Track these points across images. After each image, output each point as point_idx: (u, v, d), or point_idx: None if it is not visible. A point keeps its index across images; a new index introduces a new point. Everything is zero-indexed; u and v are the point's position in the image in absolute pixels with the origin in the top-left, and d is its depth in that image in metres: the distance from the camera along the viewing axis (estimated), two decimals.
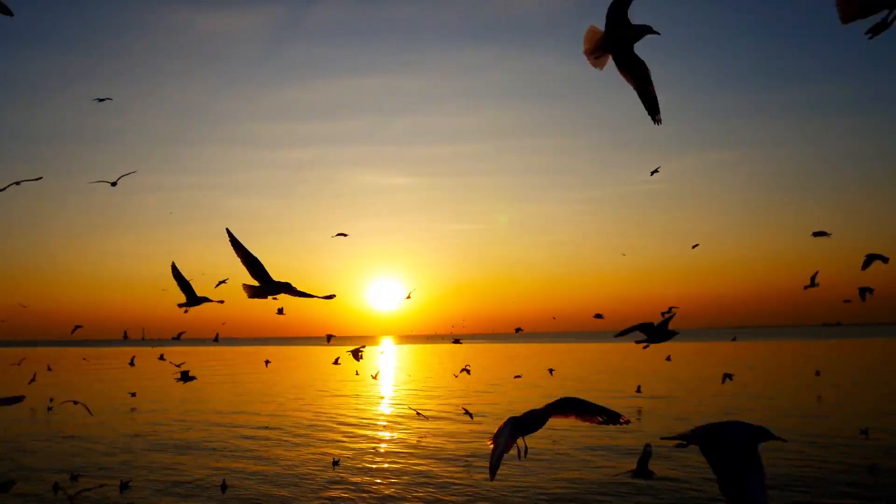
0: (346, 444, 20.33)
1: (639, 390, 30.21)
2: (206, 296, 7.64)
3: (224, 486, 14.74)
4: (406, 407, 29.00)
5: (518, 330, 33.68)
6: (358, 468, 16.76)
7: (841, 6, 3.07)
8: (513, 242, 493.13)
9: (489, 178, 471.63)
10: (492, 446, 4.02)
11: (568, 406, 4.53)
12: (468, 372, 34.63)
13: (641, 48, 3.78)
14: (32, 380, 30.94)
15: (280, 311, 16.56)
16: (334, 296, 7.08)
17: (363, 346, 25.49)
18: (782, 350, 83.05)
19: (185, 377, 17.57)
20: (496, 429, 4.02)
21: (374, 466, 17.08)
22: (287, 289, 7.04)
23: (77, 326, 25.42)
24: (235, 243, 6.58)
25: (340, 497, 14.04)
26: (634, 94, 3.90)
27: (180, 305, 7.74)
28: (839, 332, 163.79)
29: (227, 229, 6.57)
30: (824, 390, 32.10)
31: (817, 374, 37.99)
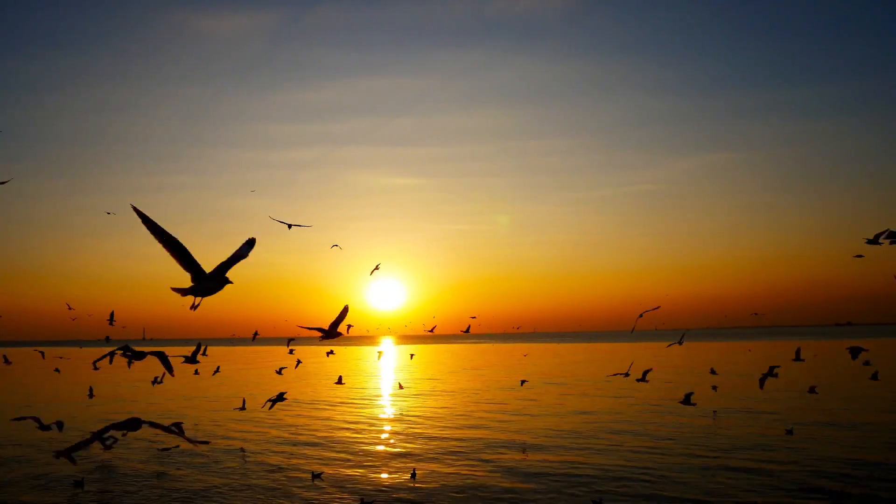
0: None
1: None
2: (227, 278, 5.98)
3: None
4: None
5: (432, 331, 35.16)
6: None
7: None
8: (514, 243, 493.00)
9: (490, 178, 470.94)
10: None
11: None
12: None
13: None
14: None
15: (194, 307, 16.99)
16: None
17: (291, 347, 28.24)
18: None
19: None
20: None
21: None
22: (223, 279, 5.83)
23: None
24: (150, 224, 5.23)
25: None
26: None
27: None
28: (851, 333, 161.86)
29: (133, 206, 5.13)
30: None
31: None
